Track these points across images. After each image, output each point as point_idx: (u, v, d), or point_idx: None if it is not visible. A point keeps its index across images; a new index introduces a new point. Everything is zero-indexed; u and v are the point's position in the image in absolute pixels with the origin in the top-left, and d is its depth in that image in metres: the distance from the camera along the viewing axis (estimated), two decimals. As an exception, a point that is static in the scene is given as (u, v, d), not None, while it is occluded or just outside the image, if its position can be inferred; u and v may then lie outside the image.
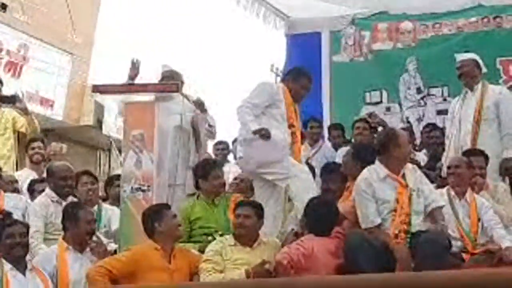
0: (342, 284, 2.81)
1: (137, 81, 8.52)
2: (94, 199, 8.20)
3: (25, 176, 9.23)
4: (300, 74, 8.09)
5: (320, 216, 6.86)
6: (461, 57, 8.89)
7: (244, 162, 7.87)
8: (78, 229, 7.01)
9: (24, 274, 6.49)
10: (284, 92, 7.90)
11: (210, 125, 8.71)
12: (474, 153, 7.84)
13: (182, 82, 8.66)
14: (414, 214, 6.75)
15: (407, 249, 6.57)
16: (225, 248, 6.86)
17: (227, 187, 8.61)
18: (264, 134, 7.46)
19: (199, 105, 8.59)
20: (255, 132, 7.46)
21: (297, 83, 7.99)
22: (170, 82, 8.28)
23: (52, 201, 7.81)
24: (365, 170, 7.01)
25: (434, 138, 9.62)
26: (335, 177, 7.78)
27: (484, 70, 8.78)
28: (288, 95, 7.90)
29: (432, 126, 10.06)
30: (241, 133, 7.73)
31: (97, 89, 8.43)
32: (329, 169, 8.03)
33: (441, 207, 6.93)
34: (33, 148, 9.49)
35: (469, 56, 8.83)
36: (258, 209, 7.05)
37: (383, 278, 2.83)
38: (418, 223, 6.75)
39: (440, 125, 10.30)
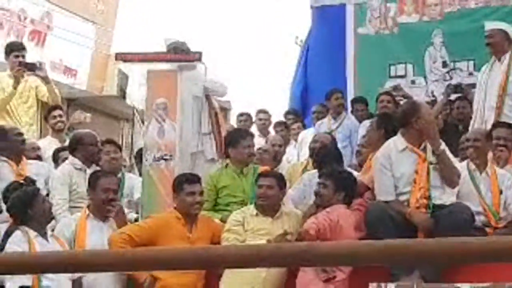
0: (364, 248, 2.76)
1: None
2: (117, 168, 8.20)
3: (48, 144, 9.24)
4: None
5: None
6: (490, 25, 8.77)
7: None
8: (96, 197, 7.01)
9: (47, 239, 6.50)
10: None
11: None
12: (498, 125, 7.76)
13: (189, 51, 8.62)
14: (433, 188, 6.69)
15: (426, 215, 6.55)
16: (247, 218, 6.88)
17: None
18: None
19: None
20: None
21: None
22: (193, 51, 8.24)
23: (76, 168, 7.82)
24: (385, 143, 6.97)
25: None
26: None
27: None
28: None
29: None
30: None
31: (120, 57, 8.43)
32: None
33: None
34: (54, 117, 9.47)
35: (498, 26, 8.72)
36: (280, 180, 7.04)
37: (405, 243, 2.79)
38: (437, 196, 6.69)
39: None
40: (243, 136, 7.92)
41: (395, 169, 6.76)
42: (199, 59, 8.07)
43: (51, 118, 9.48)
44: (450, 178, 6.72)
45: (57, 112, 9.51)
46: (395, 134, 7.06)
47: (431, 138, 6.75)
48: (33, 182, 7.06)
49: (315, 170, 7.58)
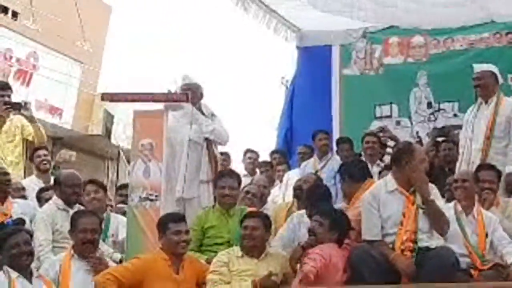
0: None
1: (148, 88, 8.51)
2: (100, 208, 8.13)
3: (32, 184, 9.21)
4: None
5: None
6: (479, 67, 8.82)
7: None
8: (75, 237, 6.97)
9: (30, 281, 6.44)
10: None
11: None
12: (484, 168, 7.78)
13: (202, 94, 8.65)
14: (420, 232, 6.64)
15: (410, 261, 6.50)
16: (232, 259, 6.84)
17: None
18: None
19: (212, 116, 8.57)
20: None
21: None
22: (180, 92, 8.25)
23: (59, 208, 7.77)
24: (376, 183, 6.97)
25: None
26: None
27: (501, 81, 8.75)
28: None
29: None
30: None
31: (106, 97, 8.40)
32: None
33: None
34: (39, 156, 9.46)
35: (487, 68, 8.77)
36: (266, 221, 7.02)
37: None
38: (424, 240, 6.64)
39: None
40: (220, 177, 7.91)
41: (383, 209, 6.72)
42: (186, 100, 8.07)
43: (36, 158, 9.46)
44: (439, 227, 6.70)
45: (42, 152, 9.50)
46: (363, 178, 7.15)
47: (419, 186, 6.73)
48: (23, 223, 7.02)
49: (303, 211, 7.55)
